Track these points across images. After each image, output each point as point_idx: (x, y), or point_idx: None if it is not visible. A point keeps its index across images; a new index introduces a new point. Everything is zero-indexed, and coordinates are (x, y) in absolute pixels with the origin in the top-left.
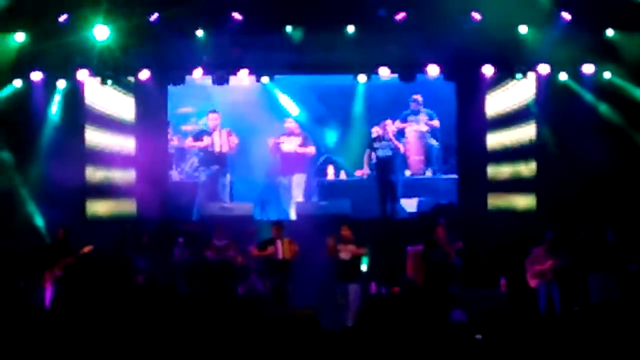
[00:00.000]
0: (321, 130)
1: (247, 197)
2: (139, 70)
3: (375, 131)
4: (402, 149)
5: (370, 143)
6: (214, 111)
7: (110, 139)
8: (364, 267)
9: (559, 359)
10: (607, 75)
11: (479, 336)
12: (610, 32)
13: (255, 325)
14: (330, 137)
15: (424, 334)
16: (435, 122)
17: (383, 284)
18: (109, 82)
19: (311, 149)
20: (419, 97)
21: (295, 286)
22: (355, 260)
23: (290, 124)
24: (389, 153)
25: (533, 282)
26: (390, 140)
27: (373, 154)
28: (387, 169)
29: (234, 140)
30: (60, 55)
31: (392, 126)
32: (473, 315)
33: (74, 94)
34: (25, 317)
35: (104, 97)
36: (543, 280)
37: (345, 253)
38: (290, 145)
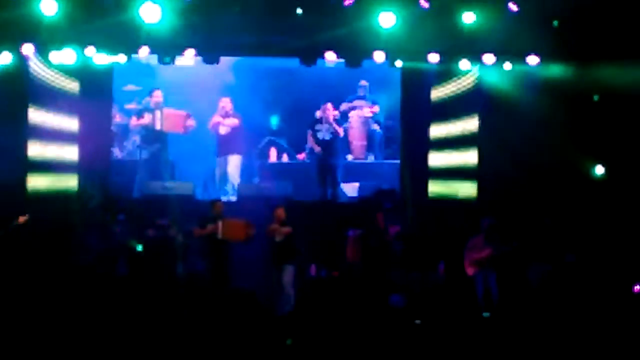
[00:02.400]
0: (264, 113)
1: (188, 177)
2: (85, 47)
3: (318, 114)
4: (341, 133)
5: (312, 124)
6: (157, 89)
7: (54, 115)
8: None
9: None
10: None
11: (418, 321)
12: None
13: (195, 304)
14: (273, 120)
15: (363, 317)
16: (376, 108)
17: (323, 267)
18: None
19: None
20: (365, 83)
21: (235, 267)
22: (289, 242)
23: (225, 103)
24: (328, 137)
25: (470, 270)
26: (330, 123)
27: (312, 136)
28: (327, 152)
29: (190, 122)
30: (5, 28)
31: (332, 110)
32: (411, 298)
33: (18, 68)
34: None
35: (48, 72)
36: (480, 269)
37: (279, 235)
38: (226, 126)
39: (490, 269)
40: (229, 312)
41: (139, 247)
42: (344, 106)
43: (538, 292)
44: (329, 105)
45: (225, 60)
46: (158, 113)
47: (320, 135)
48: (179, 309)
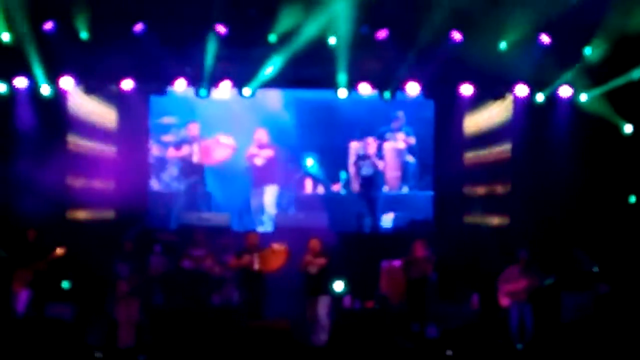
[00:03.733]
0: (300, 144)
1: (225, 208)
2: (122, 79)
3: (356, 148)
4: (380, 167)
5: (356, 161)
6: (194, 121)
7: (92, 147)
8: (340, 286)
9: None
10: (583, 98)
11: (449, 352)
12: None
13: (229, 336)
14: (310, 161)
15: (398, 348)
16: (411, 139)
17: (357, 298)
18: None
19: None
20: (401, 114)
21: (271, 298)
22: (324, 273)
23: (261, 135)
24: (371, 172)
25: (505, 301)
26: (371, 158)
27: (355, 172)
28: (369, 186)
29: (230, 143)
30: (44, 62)
31: (373, 143)
32: (445, 330)
33: (58, 102)
34: None
35: (87, 105)
36: (516, 300)
37: (312, 267)
38: (262, 157)
39: (526, 301)
40: (264, 344)
41: None
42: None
43: (572, 324)
44: (370, 140)
45: (260, 92)
46: (196, 145)
47: (364, 172)
48: (214, 340)
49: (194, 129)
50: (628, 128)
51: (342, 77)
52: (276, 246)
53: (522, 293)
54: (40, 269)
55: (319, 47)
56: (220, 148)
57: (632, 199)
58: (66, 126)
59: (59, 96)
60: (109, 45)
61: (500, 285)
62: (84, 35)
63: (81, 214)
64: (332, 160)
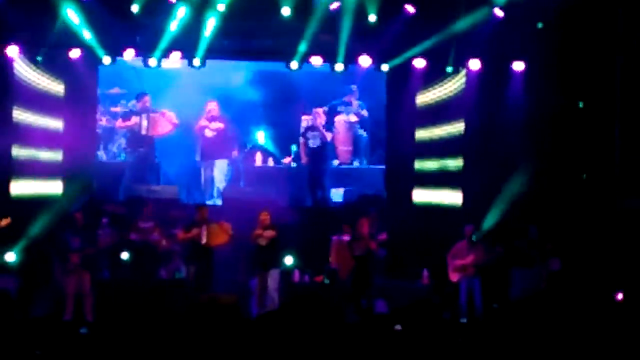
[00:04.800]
0: (250, 117)
1: (174, 181)
2: (70, 48)
3: (305, 120)
4: (328, 138)
5: (304, 132)
6: (144, 93)
7: (38, 117)
8: (289, 261)
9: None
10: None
11: (398, 327)
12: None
13: (175, 309)
14: (260, 134)
15: (345, 323)
16: (364, 112)
17: (307, 272)
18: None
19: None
20: (353, 87)
21: (219, 271)
22: (273, 246)
23: (212, 107)
24: (319, 143)
25: (454, 277)
26: (320, 130)
27: (303, 143)
28: (317, 158)
29: (174, 121)
30: None
31: (322, 115)
32: (395, 306)
33: (3, 70)
34: None
35: (33, 74)
36: (464, 275)
37: (262, 239)
38: (212, 130)
39: (475, 275)
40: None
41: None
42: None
43: (521, 300)
44: (320, 110)
45: (211, 64)
46: (145, 116)
47: (311, 144)
48: (160, 313)
49: (144, 100)
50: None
51: (294, 49)
52: (225, 225)
53: (470, 267)
54: None
55: (271, 18)
56: (164, 122)
57: (584, 178)
58: (11, 96)
59: (4, 65)
60: (57, 14)
61: (449, 261)
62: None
63: (27, 185)
64: (283, 134)
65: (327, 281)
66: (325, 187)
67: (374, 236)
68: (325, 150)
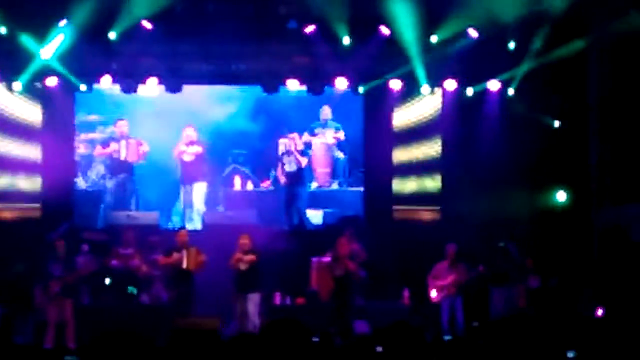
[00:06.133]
0: (229, 141)
1: (154, 206)
2: (47, 76)
3: (283, 144)
4: (303, 164)
5: (280, 157)
6: (122, 119)
7: (15, 144)
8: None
9: None
10: (510, 92)
11: (379, 348)
12: (512, 45)
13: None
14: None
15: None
16: (341, 134)
17: (287, 294)
18: (16, 87)
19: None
20: (326, 109)
21: (200, 295)
22: (254, 270)
23: (189, 132)
24: (295, 168)
25: (436, 297)
26: (293, 154)
27: (280, 168)
28: (294, 182)
29: (144, 148)
30: None
31: (298, 140)
32: (376, 327)
33: None
34: None
35: (10, 102)
36: (446, 295)
37: (242, 263)
38: (190, 154)
39: (456, 294)
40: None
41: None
42: (306, 136)
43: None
44: (295, 135)
45: (188, 89)
46: (123, 143)
47: (287, 168)
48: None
49: (122, 126)
50: (556, 123)
51: (271, 72)
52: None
53: (451, 287)
54: None
55: (248, 43)
56: (139, 146)
57: (561, 196)
58: None
59: None
60: (33, 41)
61: (430, 282)
62: (3, 30)
63: (6, 212)
64: (261, 157)
65: (307, 303)
66: (302, 210)
67: (353, 257)
68: (301, 175)
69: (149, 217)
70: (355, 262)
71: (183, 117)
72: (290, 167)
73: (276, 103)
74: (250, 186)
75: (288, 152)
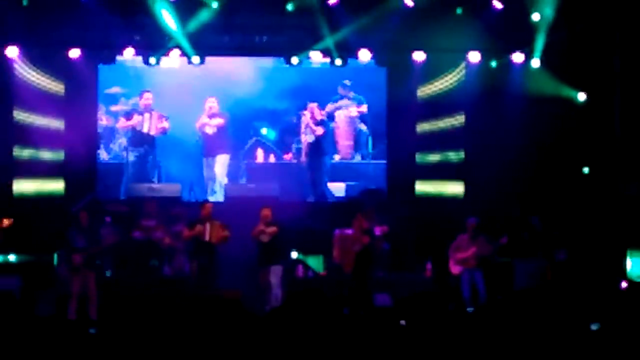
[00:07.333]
0: (252, 113)
1: (176, 179)
2: (70, 48)
3: (304, 115)
4: (318, 132)
5: (304, 129)
6: (147, 91)
7: (39, 117)
8: (294, 255)
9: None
10: (535, 63)
11: (403, 322)
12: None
13: (179, 305)
14: (265, 130)
15: (347, 317)
16: (364, 108)
17: (309, 267)
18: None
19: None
20: (347, 82)
21: (222, 268)
22: (276, 242)
23: (211, 104)
24: (313, 139)
25: (455, 269)
26: (310, 125)
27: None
28: (313, 153)
29: (165, 125)
30: None
31: (316, 110)
32: (398, 299)
33: (3, 71)
34: None
35: (34, 75)
36: (466, 267)
37: (264, 235)
38: (212, 126)
39: (477, 267)
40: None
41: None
42: (329, 107)
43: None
44: (314, 105)
45: (210, 61)
46: (147, 116)
47: (307, 139)
48: (164, 310)
49: (148, 98)
50: (581, 96)
51: (294, 44)
52: (223, 225)
53: (471, 260)
54: None
55: (271, 14)
56: (160, 121)
57: (586, 170)
58: (12, 96)
59: (5, 66)
60: (56, 14)
61: (451, 254)
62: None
63: (29, 185)
64: (284, 129)
65: (330, 276)
66: (323, 182)
67: (369, 231)
68: (320, 146)
69: (171, 189)
70: (370, 236)
71: (205, 90)
72: (309, 138)
73: (298, 76)
74: (272, 159)
75: (306, 124)
